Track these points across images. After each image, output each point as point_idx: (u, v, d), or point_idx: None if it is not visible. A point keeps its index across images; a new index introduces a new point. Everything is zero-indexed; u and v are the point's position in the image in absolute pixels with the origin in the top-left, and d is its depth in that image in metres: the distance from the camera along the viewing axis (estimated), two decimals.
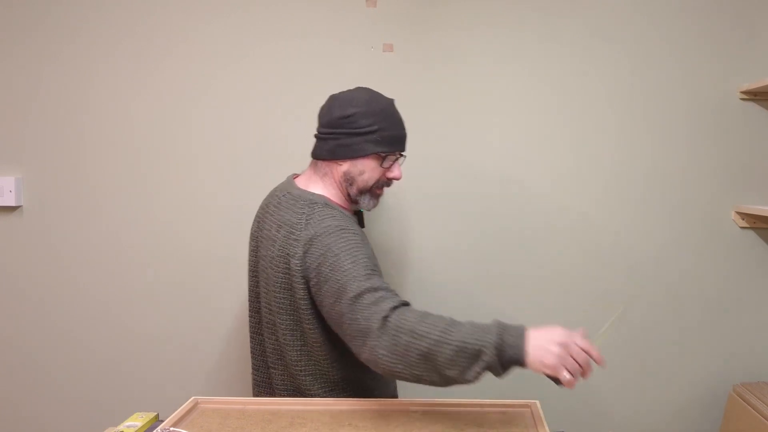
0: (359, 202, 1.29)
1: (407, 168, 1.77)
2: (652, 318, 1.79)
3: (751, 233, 1.76)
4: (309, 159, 1.76)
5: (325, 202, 1.23)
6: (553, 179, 1.77)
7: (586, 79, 1.75)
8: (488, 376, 1.01)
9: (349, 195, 1.28)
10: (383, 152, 1.25)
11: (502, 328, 1.01)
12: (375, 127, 1.23)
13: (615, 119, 1.75)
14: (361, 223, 1.37)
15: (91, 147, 1.79)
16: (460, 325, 1.01)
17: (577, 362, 0.99)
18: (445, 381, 1.01)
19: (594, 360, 1.01)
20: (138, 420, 1.11)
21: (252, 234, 1.34)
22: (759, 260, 1.77)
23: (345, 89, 1.31)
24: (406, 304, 1.06)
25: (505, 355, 0.99)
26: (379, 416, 1.11)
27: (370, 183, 1.27)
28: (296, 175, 1.35)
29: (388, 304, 1.03)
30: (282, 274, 1.19)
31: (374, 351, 1.01)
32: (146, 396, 1.84)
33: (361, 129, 1.23)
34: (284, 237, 1.19)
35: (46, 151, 1.80)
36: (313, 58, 1.76)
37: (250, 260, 1.34)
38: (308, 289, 1.16)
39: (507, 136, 1.76)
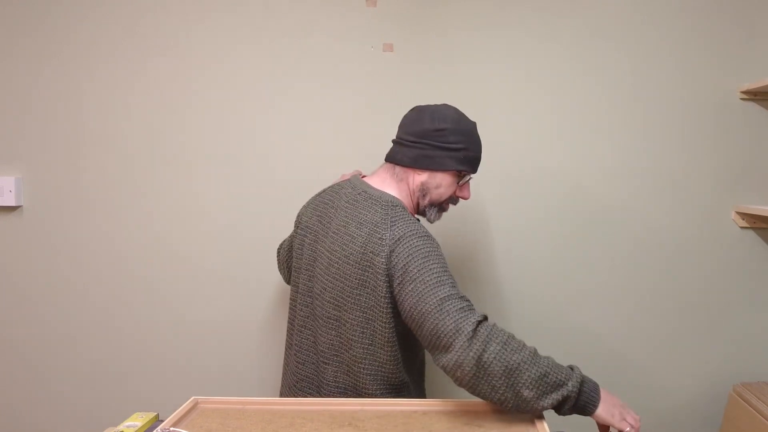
0: (426, 213, 1.33)
1: None
2: (651, 318, 1.79)
3: (751, 233, 1.77)
4: (309, 157, 1.78)
5: (403, 207, 1.25)
6: (552, 179, 1.77)
7: (586, 79, 1.75)
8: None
9: (417, 205, 1.32)
10: (463, 170, 1.29)
11: (582, 376, 1.10)
12: (461, 146, 1.26)
13: (615, 119, 1.75)
14: None
15: (91, 147, 1.79)
16: (544, 357, 1.09)
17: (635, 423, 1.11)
18: (516, 402, 1.06)
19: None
20: (138, 420, 1.11)
21: (308, 227, 1.34)
22: (759, 260, 1.77)
23: (432, 104, 1.31)
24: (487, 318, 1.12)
25: (582, 397, 1.08)
26: (379, 416, 1.11)
27: (443, 198, 1.31)
28: (363, 175, 1.37)
29: (477, 314, 1.09)
30: (361, 271, 1.19)
31: (462, 352, 1.05)
32: (146, 396, 1.84)
33: (448, 144, 1.26)
34: (367, 235, 1.20)
35: (46, 151, 1.80)
36: (313, 58, 1.76)
37: (304, 254, 1.33)
38: (390, 287, 1.18)
39: (506, 137, 1.76)
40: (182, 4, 1.76)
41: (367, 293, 1.19)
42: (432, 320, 1.09)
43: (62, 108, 1.79)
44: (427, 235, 1.19)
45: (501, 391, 1.05)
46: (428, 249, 1.16)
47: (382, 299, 1.18)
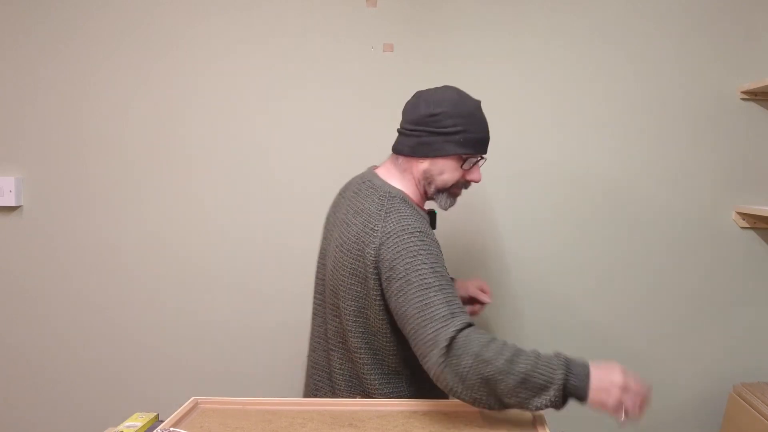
0: (436, 200, 1.30)
1: None
2: (652, 318, 1.79)
3: (752, 233, 1.76)
4: (309, 158, 1.77)
5: (403, 198, 1.22)
6: (552, 179, 1.77)
7: (587, 79, 1.75)
8: None
9: (425, 193, 1.29)
10: (465, 154, 1.25)
11: (568, 367, 1.04)
12: (459, 128, 1.22)
13: (615, 119, 1.75)
14: (433, 224, 1.34)
15: (91, 147, 1.79)
16: (525, 356, 1.03)
17: (634, 403, 1.06)
18: (503, 407, 1.05)
19: (647, 401, 1.08)
20: (138, 420, 1.11)
21: (327, 219, 1.37)
22: (759, 260, 1.77)
23: (431, 89, 1.28)
24: (471, 324, 1.08)
25: (571, 392, 1.05)
26: (379, 416, 1.11)
27: (449, 183, 1.27)
28: (376, 167, 1.35)
29: (457, 323, 1.05)
30: (353, 259, 1.19)
31: (437, 366, 1.04)
32: (146, 396, 1.84)
33: (444, 129, 1.22)
34: (361, 224, 1.20)
35: (46, 151, 1.80)
36: (314, 58, 1.76)
37: (322, 243, 1.36)
38: (379, 279, 1.16)
39: (506, 137, 1.76)
40: (182, 4, 1.76)
41: (358, 282, 1.18)
42: (412, 325, 1.08)
43: (62, 108, 1.79)
44: (421, 231, 1.16)
45: (485, 400, 1.03)
46: (418, 247, 1.12)
47: (372, 291, 1.17)
